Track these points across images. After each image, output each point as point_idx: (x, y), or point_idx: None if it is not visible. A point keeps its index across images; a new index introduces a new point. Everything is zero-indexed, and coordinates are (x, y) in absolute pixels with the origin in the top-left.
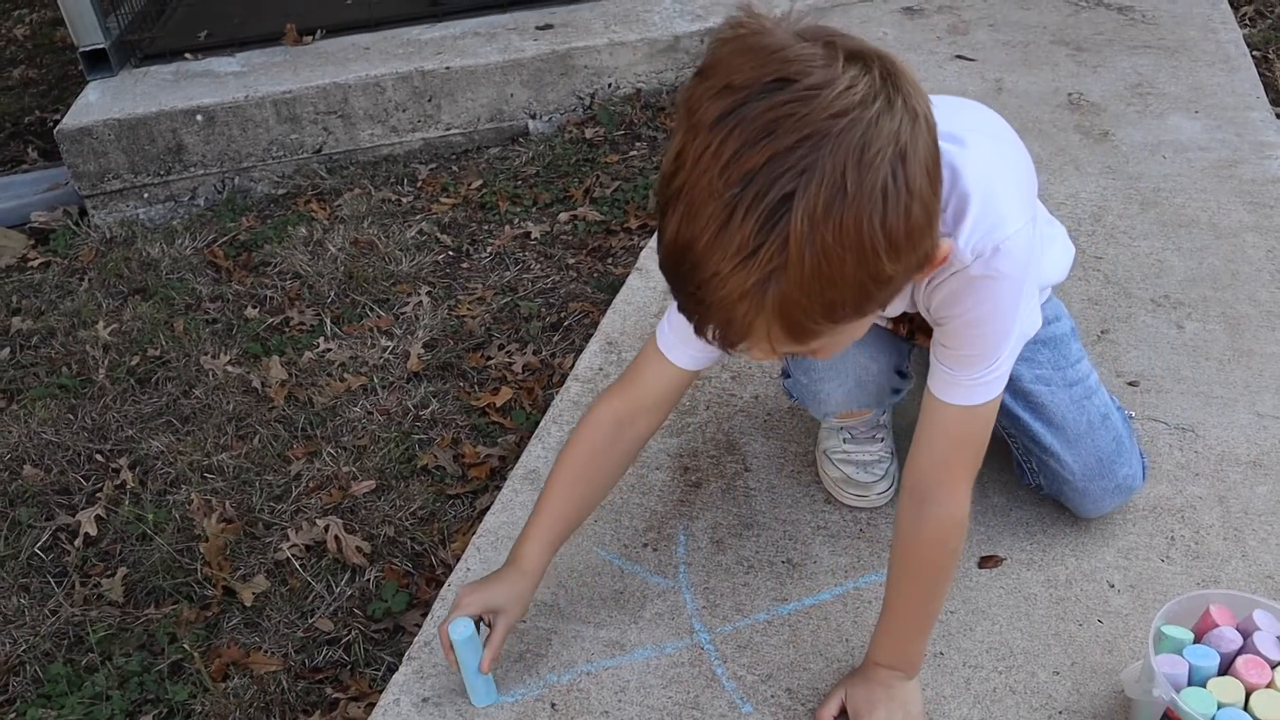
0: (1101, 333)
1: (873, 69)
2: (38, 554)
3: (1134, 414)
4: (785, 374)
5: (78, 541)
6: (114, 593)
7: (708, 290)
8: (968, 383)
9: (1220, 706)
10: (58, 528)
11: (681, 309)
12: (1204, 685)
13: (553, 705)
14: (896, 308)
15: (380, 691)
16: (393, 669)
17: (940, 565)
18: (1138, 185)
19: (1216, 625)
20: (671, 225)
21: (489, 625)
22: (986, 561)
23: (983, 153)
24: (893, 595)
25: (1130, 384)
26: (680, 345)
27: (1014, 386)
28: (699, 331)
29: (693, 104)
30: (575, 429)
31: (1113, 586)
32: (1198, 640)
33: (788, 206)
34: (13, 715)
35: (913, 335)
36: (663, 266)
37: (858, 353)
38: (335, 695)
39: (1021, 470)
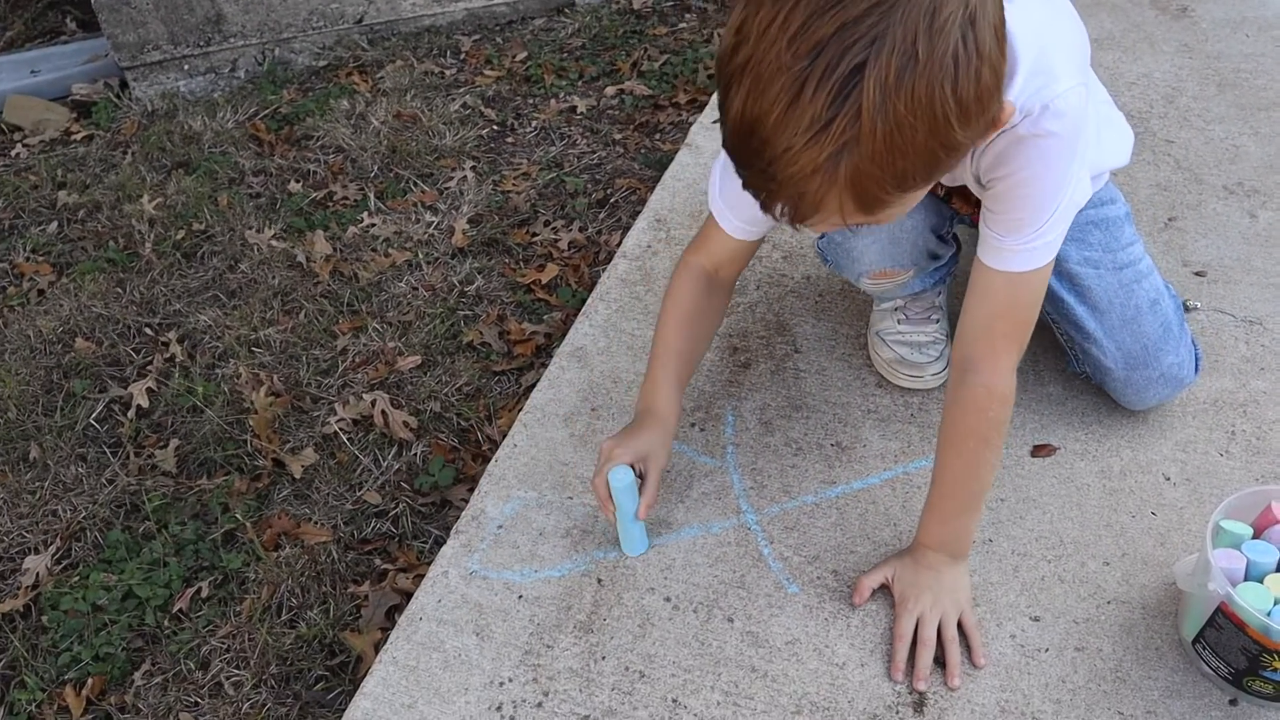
0: (1169, 220)
1: None
2: (93, 425)
3: (1199, 305)
4: (820, 234)
5: (130, 413)
6: (167, 463)
7: (779, 167)
8: (1015, 248)
9: (1276, 602)
10: (111, 399)
11: (748, 187)
12: (1261, 581)
13: (599, 581)
14: (961, 178)
15: (428, 564)
16: (440, 542)
17: (982, 435)
18: (1216, 65)
19: (1277, 521)
20: (737, 102)
21: (640, 475)
22: (1039, 450)
23: (1032, 12)
24: (938, 470)
25: (1197, 274)
26: (730, 216)
27: (1060, 268)
28: (767, 208)
29: None
30: (670, 283)
31: (1168, 479)
32: (1257, 536)
33: (859, 77)
34: (76, 578)
35: (949, 197)
36: (728, 145)
37: None
38: (384, 566)
39: (1068, 357)
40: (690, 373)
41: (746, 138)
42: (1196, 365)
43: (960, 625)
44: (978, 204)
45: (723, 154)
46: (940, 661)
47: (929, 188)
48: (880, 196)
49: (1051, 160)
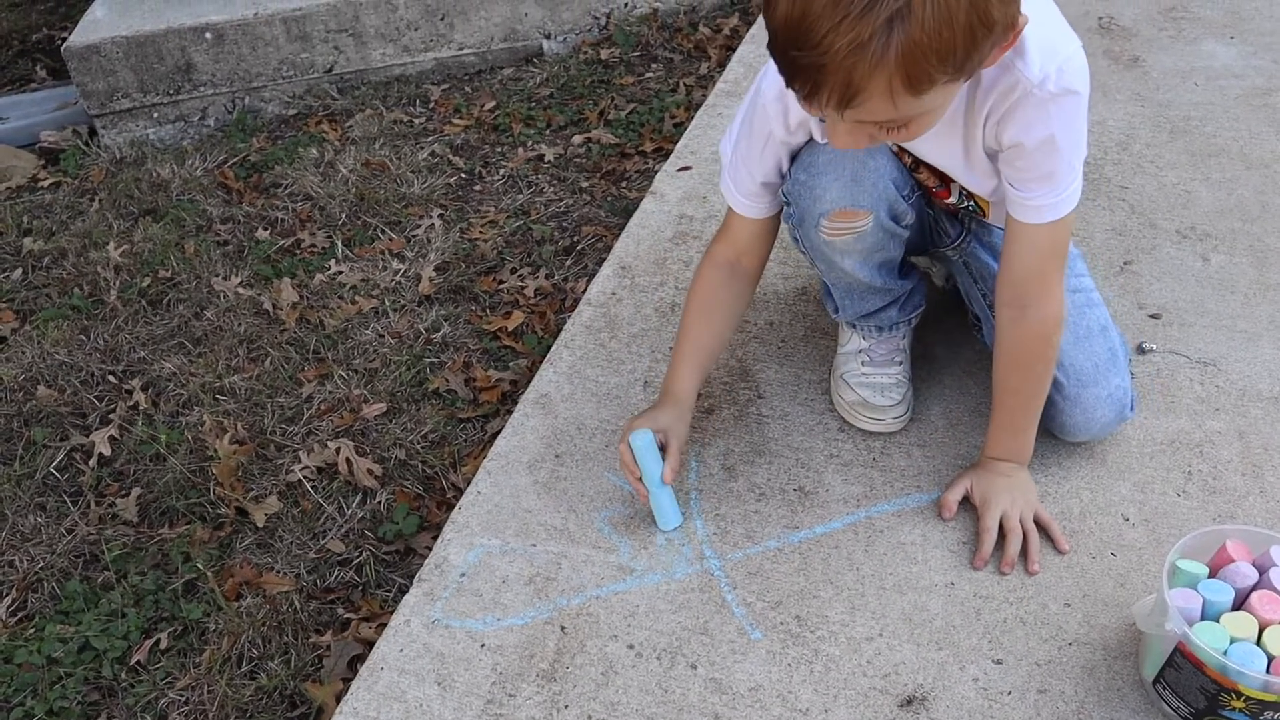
0: (1124, 264)
1: None
2: (53, 473)
3: (1155, 347)
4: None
5: (92, 461)
6: (128, 512)
7: (831, 39)
8: (1052, 199)
9: (1233, 641)
10: (72, 448)
11: (794, 80)
12: (1217, 620)
13: (563, 629)
14: (942, 153)
15: (391, 613)
16: (403, 591)
17: (1044, 357)
18: (1167, 113)
19: (1232, 560)
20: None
21: (662, 447)
22: None
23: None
24: (1001, 393)
25: (1152, 316)
26: (736, 194)
27: None
28: (811, 98)
29: None
30: (695, 274)
31: (1127, 520)
32: (1213, 575)
33: None
34: (31, 630)
35: (917, 168)
36: (777, 37)
37: (856, 151)
38: (347, 615)
39: None
40: (711, 361)
41: (798, 22)
42: (1133, 404)
43: (1037, 519)
44: (943, 177)
45: (733, 134)
46: (1023, 553)
47: (960, 83)
48: (928, 71)
49: (1074, 115)
